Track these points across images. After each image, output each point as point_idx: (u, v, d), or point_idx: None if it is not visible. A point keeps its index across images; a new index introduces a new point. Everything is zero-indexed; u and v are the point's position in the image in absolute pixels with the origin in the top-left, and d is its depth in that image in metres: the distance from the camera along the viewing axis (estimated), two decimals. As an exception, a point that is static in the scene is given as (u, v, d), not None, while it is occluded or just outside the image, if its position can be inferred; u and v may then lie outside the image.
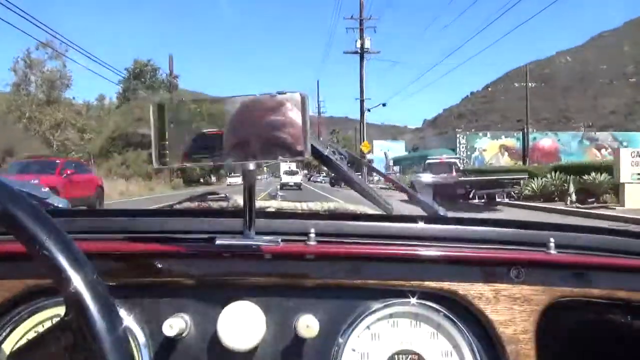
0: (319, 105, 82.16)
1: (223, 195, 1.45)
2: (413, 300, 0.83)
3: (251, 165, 0.73)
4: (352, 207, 1.37)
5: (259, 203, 0.95)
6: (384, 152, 69.44)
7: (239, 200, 1.35)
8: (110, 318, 0.47)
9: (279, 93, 0.70)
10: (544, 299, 0.83)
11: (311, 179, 69.50)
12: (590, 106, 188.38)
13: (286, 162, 0.77)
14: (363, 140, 35.21)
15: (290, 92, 0.69)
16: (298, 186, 38.38)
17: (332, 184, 35.21)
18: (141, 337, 0.79)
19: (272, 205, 1.36)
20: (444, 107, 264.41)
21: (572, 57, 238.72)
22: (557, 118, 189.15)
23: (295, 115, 0.69)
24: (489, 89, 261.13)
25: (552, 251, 0.86)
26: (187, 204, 1.32)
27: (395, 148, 67.41)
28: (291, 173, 41.26)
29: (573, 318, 0.98)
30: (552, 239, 0.87)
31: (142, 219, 0.91)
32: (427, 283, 0.82)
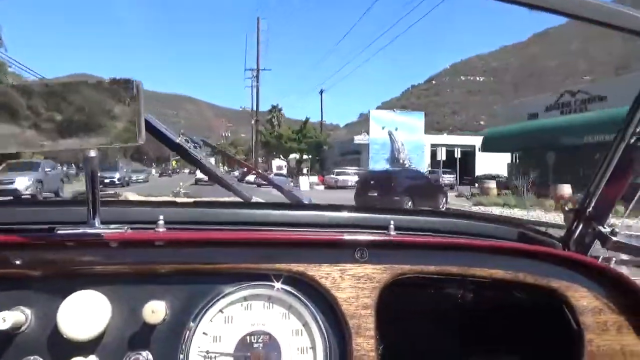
0: (258, 50, 52.59)
1: (113, 192, 2.16)
2: (264, 283, 0.90)
3: (92, 152, 0.76)
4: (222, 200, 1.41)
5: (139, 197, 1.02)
6: (388, 131, 40.33)
7: (129, 196, 1.68)
8: None
9: (113, 79, 0.73)
10: (385, 277, 0.94)
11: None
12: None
13: (118, 147, 0.78)
14: None
15: (124, 78, 0.74)
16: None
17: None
18: None
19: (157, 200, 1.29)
20: (383, 101, 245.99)
21: (518, 52, 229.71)
22: (513, 114, 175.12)
23: (129, 101, 0.73)
24: (433, 81, 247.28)
25: (392, 233, 0.99)
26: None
27: (405, 125, 39.88)
28: None
29: (416, 293, 1.13)
30: (392, 222, 1.01)
31: None
32: (277, 266, 0.91)
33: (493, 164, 42.70)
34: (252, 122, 67.28)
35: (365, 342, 0.90)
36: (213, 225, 1.00)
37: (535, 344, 1.14)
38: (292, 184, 35.20)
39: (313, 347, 0.90)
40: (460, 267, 0.99)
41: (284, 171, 46.09)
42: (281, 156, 54.93)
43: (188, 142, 1.36)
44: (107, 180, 30.61)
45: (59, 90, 0.73)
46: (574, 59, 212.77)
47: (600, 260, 1.12)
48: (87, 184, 0.81)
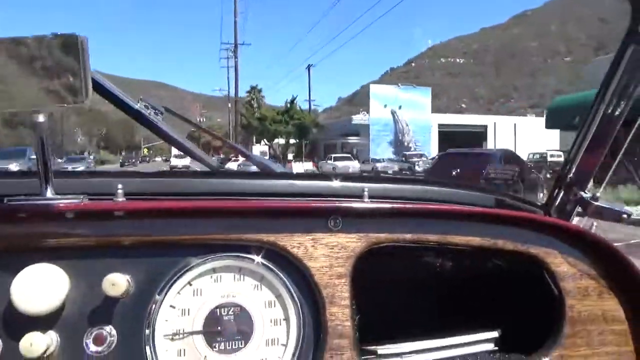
0: (235, 22, 47.28)
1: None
2: (234, 254, 0.87)
3: (40, 117, 0.73)
4: None
5: None
6: (391, 110, 35.37)
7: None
8: None
9: (54, 35, 0.70)
10: (360, 246, 0.91)
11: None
12: (527, 85, 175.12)
13: (63, 107, 0.73)
14: None
15: (67, 33, 0.70)
16: (187, 168, 40.15)
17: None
18: None
19: None
20: (362, 84, 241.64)
21: (498, 34, 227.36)
22: (495, 96, 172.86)
23: (72, 58, 0.69)
24: (412, 64, 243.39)
25: (366, 200, 0.96)
26: None
27: (410, 102, 34.85)
28: (180, 156, 42.59)
29: (394, 262, 1.09)
30: (366, 190, 0.98)
31: None
32: (246, 236, 0.87)
33: (504, 145, 37.98)
34: (229, 105, 61.43)
35: (340, 312, 0.89)
36: (177, 196, 0.97)
37: (516, 312, 1.12)
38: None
39: (286, 319, 0.88)
40: (438, 234, 0.97)
41: (267, 157, 40.75)
42: (265, 140, 49.41)
43: (148, 108, 1.28)
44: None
45: None
46: (554, 40, 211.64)
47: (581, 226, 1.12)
48: (38, 151, 0.77)
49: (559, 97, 26.92)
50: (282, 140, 48.74)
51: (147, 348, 0.81)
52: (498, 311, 1.13)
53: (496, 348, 1.06)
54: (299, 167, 31.81)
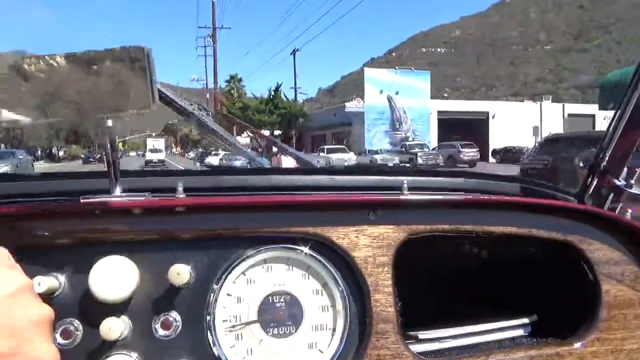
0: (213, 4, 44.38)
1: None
2: (283, 245, 0.93)
3: (109, 122, 0.80)
4: None
5: None
6: (387, 96, 32.24)
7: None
8: None
9: (123, 48, 0.76)
10: (400, 236, 0.97)
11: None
12: (508, 73, 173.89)
13: (134, 114, 0.79)
14: None
15: (134, 46, 0.76)
16: (162, 162, 42.14)
17: None
18: None
19: None
20: (342, 75, 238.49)
21: (478, 23, 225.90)
22: (476, 85, 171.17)
23: (139, 68, 0.76)
24: (393, 54, 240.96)
25: (406, 192, 1.00)
26: None
27: (408, 87, 31.86)
28: (155, 151, 46.64)
29: (431, 250, 1.14)
30: (405, 182, 1.02)
31: (3, 183, 1.03)
32: (294, 228, 0.93)
33: (508, 134, 35.21)
34: (207, 96, 57.63)
35: (383, 298, 0.94)
36: (230, 192, 1.07)
37: (551, 297, 1.16)
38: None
39: (333, 305, 0.94)
40: (475, 224, 1.01)
41: (250, 150, 37.17)
42: (248, 132, 45.84)
43: (200, 109, 1.42)
44: None
45: (71, 61, 0.74)
46: (534, 28, 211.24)
47: (616, 213, 1.16)
48: (107, 153, 0.85)
49: (615, 70, 23.96)
50: (266, 132, 45.44)
51: (209, 333, 0.88)
52: (533, 297, 1.17)
53: (532, 333, 1.10)
54: (289, 161, 28.48)
